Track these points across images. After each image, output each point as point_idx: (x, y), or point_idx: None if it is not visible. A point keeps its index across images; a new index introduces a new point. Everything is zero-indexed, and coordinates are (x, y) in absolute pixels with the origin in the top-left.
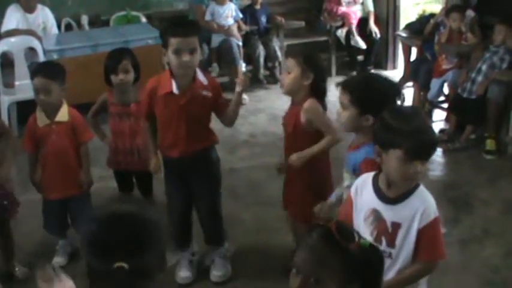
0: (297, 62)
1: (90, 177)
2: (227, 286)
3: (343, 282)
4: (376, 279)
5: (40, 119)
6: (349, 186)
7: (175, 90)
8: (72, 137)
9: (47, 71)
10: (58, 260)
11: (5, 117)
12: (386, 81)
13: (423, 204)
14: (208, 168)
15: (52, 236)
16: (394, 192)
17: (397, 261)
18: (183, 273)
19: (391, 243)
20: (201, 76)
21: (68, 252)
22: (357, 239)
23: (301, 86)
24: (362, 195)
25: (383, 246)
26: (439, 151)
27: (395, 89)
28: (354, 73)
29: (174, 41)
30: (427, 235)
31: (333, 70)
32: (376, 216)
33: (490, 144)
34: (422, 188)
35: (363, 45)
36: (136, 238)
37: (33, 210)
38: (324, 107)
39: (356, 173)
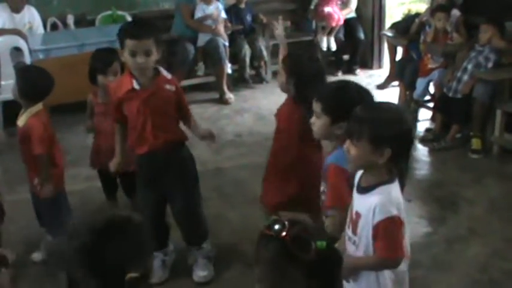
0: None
1: (46, 187)
2: (210, 286)
3: (304, 286)
4: (335, 276)
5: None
6: (323, 191)
7: (136, 86)
8: (27, 143)
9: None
10: (35, 255)
11: None
12: (360, 89)
13: (381, 201)
14: (181, 166)
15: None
16: (365, 182)
17: (358, 248)
18: (156, 273)
19: (354, 231)
20: (164, 72)
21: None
22: (313, 245)
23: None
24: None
25: (349, 233)
26: (425, 150)
27: (368, 98)
28: (339, 73)
29: (129, 43)
30: (379, 232)
31: None
32: (351, 203)
33: (475, 143)
34: (390, 185)
35: (333, 47)
36: (142, 244)
37: (20, 210)
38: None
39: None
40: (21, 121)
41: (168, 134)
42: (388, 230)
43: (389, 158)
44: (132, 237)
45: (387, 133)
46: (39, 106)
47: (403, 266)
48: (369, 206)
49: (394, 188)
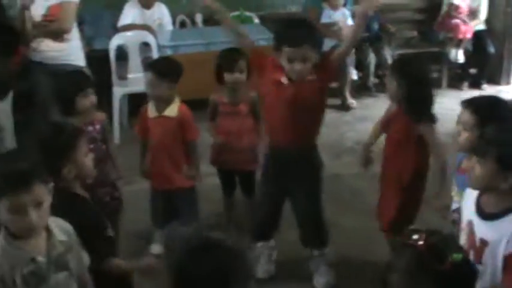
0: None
1: (199, 173)
2: None
3: None
4: None
5: (151, 110)
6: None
7: (284, 80)
8: (177, 132)
9: (160, 67)
10: (157, 248)
11: (116, 108)
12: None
13: None
14: (310, 167)
15: (156, 227)
16: (491, 208)
17: (483, 278)
18: (265, 266)
19: (477, 260)
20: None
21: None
22: (449, 257)
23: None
24: (467, 203)
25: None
26: None
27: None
28: (465, 87)
29: (286, 50)
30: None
31: (444, 82)
32: (470, 228)
33: None
34: None
35: (461, 59)
36: (224, 271)
37: (138, 202)
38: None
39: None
40: (171, 111)
41: (304, 133)
42: None
43: None
44: (220, 262)
45: None
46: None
47: None
48: (499, 234)
49: None
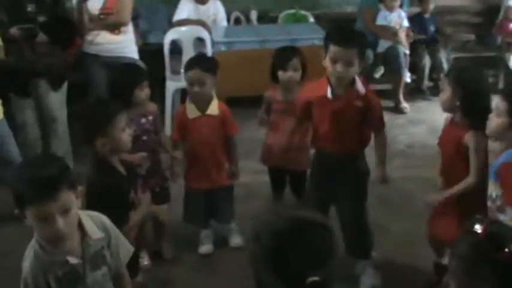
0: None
1: (238, 170)
2: None
3: (493, 286)
4: None
5: (190, 111)
6: (491, 196)
7: (329, 95)
8: (220, 130)
9: (203, 63)
10: (206, 248)
11: (169, 102)
12: None
13: None
14: (354, 177)
15: (194, 226)
16: None
17: None
18: None
19: None
20: (359, 86)
21: (212, 241)
22: (508, 246)
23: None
24: None
25: None
26: None
27: None
28: None
29: (332, 49)
30: None
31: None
32: None
33: None
34: None
35: None
36: (321, 246)
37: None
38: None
39: (497, 180)
40: (213, 109)
41: (348, 143)
42: None
43: None
44: (315, 240)
45: None
46: None
47: None
48: None
49: None
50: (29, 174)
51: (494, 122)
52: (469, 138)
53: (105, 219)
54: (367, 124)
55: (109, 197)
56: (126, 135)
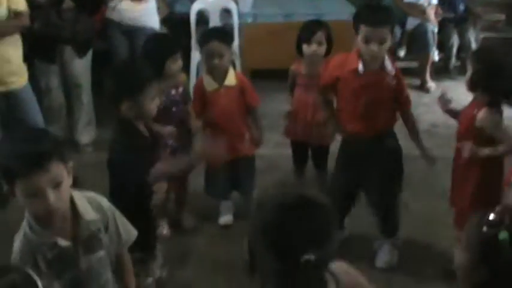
0: None
1: (260, 140)
2: (387, 274)
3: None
4: None
5: (208, 83)
6: None
7: (360, 68)
8: (240, 100)
9: (221, 36)
10: (226, 218)
11: (193, 72)
12: None
13: None
14: (383, 157)
15: (215, 198)
16: None
17: None
18: None
19: None
20: (388, 65)
21: (232, 212)
22: (500, 234)
23: None
24: None
25: None
26: None
27: None
28: None
29: (364, 29)
30: None
31: None
32: None
33: None
34: None
35: None
36: (322, 226)
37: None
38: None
39: None
40: (230, 80)
41: (378, 121)
42: None
43: None
44: (317, 219)
45: None
46: None
47: None
48: None
49: None
50: (17, 147)
51: None
52: (483, 116)
53: (103, 201)
54: (395, 102)
55: (132, 156)
56: (154, 105)
